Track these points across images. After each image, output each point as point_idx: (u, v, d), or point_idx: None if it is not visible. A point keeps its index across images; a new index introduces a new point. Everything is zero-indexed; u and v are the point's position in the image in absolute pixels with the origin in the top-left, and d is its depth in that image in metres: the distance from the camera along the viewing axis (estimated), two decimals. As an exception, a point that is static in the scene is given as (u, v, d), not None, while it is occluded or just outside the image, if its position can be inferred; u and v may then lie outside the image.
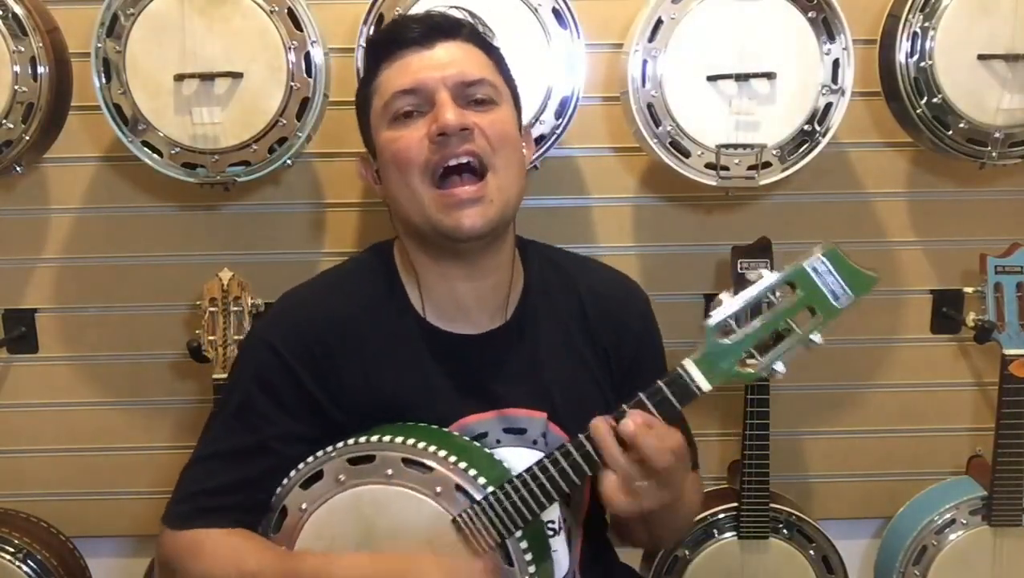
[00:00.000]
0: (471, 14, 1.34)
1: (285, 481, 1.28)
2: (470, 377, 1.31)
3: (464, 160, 1.23)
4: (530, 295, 1.36)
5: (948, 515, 1.98)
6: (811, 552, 1.97)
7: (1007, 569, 1.95)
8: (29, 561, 1.97)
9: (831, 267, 1.11)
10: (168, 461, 2.11)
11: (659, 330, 1.47)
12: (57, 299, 2.08)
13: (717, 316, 1.12)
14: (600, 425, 1.15)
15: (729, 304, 1.12)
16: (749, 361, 1.13)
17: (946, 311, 2.09)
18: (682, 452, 1.16)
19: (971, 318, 1.92)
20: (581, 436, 1.17)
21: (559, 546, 1.33)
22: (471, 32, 1.31)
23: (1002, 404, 1.88)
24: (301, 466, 1.28)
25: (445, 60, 1.26)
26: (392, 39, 1.30)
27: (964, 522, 1.96)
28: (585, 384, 1.35)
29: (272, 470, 1.29)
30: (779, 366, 1.14)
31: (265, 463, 1.28)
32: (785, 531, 1.96)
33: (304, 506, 1.26)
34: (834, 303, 1.12)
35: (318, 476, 1.27)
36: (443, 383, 1.30)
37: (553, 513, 1.32)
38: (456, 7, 1.34)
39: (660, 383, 1.15)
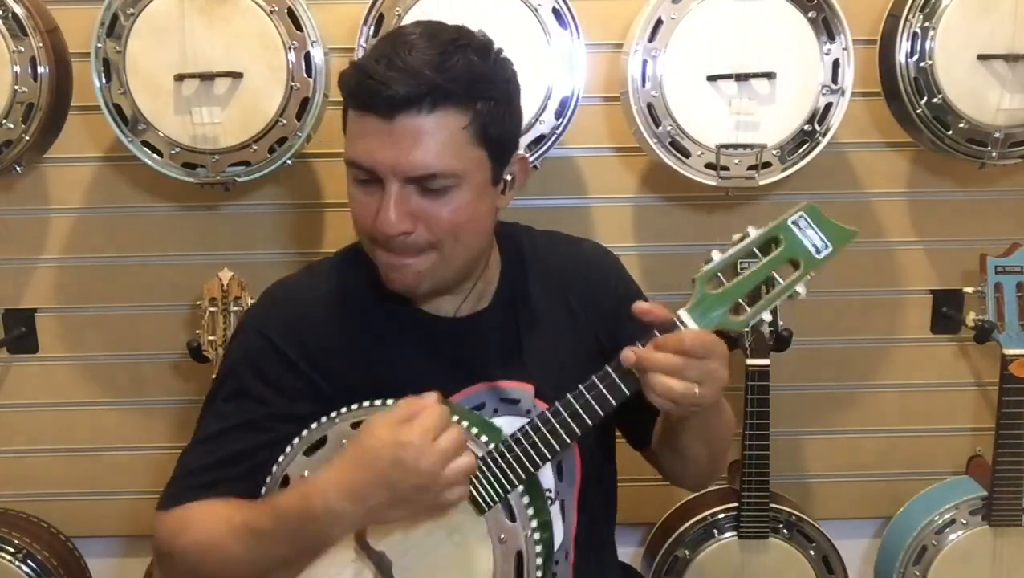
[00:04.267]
0: (474, 50, 1.20)
1: (288, 449, 1.27)
2: (459, 357, 1.32)
3: (396, 262, 1.23)
4: (508, 279, 1.37)
5: (948, 515, 1.98)
6: (811, 552, 1.97)
7: (1007, 569, 1.95)
8: (29, 561, 1.97)
9: (811, 222, 1.19)
10: (168, 461, 2.07)
11: (636, 284, 1.47)
12: (57, 299, 2.08)
13: (706, 269, 1.19)
14: (626, 350, 1.17)
15: (717, 259, 1.19)
16: (739, 311, 1.20)
17: (946, 311, 2.09)
18: (707, 334, 1.18)
19: (971, 318, 1.92)
20: (581, 385, 1.20)
21: (555, 517, 1.33)
22: (446, 96, 1.16)
23: (1002, 404, 1.88)
24: (304, 433, 1.27)
25: (400, 145, 1.16)
26: (360, 93, 1.18)
27: (964, 522, 1.96)
28: (569, 360, 1.36)
29: (263, 445, 1.27)
30: (766, 316, 1.21)
31: (256, 438, 1.27)
32: (785, 531, 1.96)
33: (307, 473, 1.25)
34: (815, 255, 1.19)
35: (322, 442, 1.26)
36: (433, 363, 1.31)
37: (548, 481, 1.33)
38: (478, 33, 1.25)
39: (655, 332, 1.18)
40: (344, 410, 1.26)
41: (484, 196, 1.25)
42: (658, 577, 1.97)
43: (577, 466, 1.36)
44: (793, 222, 1.18)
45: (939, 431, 2.17)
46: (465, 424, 1.21)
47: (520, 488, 1.22)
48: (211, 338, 1.84)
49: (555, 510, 1.34)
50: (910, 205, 2.09)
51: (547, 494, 1.32)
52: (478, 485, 1.20)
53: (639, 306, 1.20)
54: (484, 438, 1.22)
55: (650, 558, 2.02)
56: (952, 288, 2.08)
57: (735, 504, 1.95)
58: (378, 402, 1.25)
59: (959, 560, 1.96)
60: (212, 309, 1.85)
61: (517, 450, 1.20)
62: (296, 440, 1.27)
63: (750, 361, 1.85)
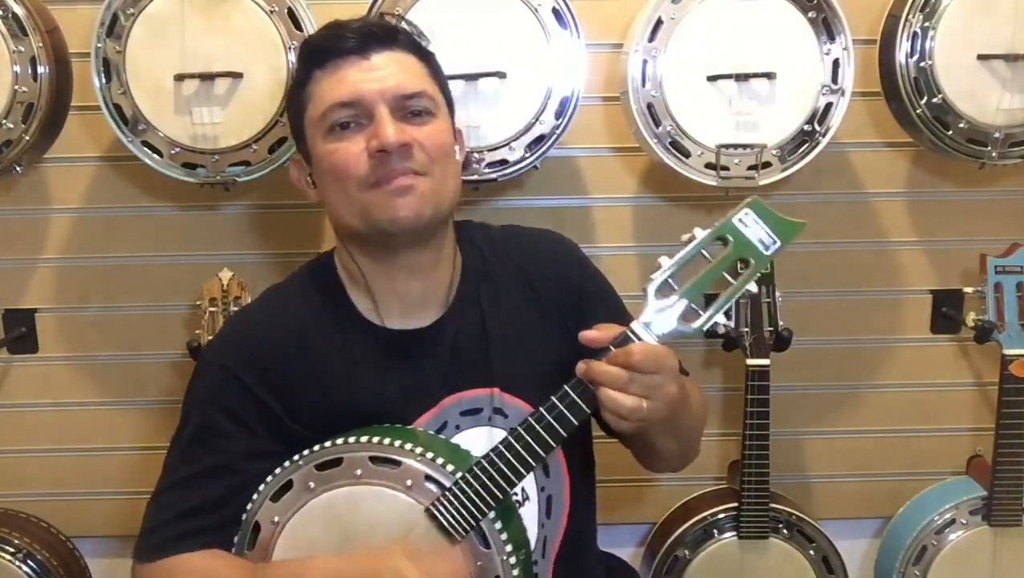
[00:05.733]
0: (406, 21, 1.34)
1: (255, 496, 1.28)
2: (421, 370, 1.32)
3: (405, 182, 1.24)
4: (468, 278, 1.38)
5: (948, 515, 1.98)
6: (811, 552, 1.97)
7: (1007, 569, 1.95)
8: (29, 561, 1.97)
9: (757, 217, 1.17)
10: (168, 461, 2.10)
11: (600, 273, 1.47)
12: (57, 299, 2.08)
13: (657, 278, 1.17)
14: (580, 362, 1.18)
15: (666, 265, 1.18)
16: (692, 317, 1.18)
17: (946, 311, 2.09)
18: (657, 349, 1.18)
19: (971, 318, 1.92)
20: (542, 408, 1.20)
21: (536, 515, 1.34)
22: (408, 40, 1.30)
23: (1002, 404, 1.88)
24: (269, 479, 1.28)
25: (383, 72, 1.25)
26: (328, 47, 1.28)
27: (964, 522, 1.96)
28: (536, 351, 1.36)
29: (237, 488, 1.28)
30: (721, 318, 1.19)
31: (228, 482, 1.28)
32: (785, 531, 1.96)
33: (276, 519, 1.26)
34: (763, 251, 1.17)
35: (287, 486, 1.26)
36: (396, 381, 1.31)
37: (531, 479, 1.33)
38: (392, 14, 1.35)
39: (610, 347, 1.18)
40: (307, 452, 1.27)
41: (451, 136, 1.32)
42: (658, 577, 1.97)
43: (562, 461, 1.36)
44: (739, 219, 1.17)
45: (939, 431, 2.17)
46: (430, 455, 1.22)
47: (491, 514, 1.22)
48: (211, 338, 1.84)
49: (537, 507, 1.34)
50: (910, 205, 2.09)
51: (515, 499, 1.32)
52: (448, 515, 1.21)
53: (585, 335, 1.20)
54: (451, 468, 1.22)
55: (650, 558, 2.02)
56: (952, 288, 2.08)
57: (735, 504, 1.95)
58: (340, 441, 1.25)
59: (959, 560, 1.96)
60: (212, 309, 1.85)
61: (484, 478, 1.20)
62: (262, 486, 1.28)
63: (750, 361, 1.85)
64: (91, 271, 2.07)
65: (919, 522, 2.00)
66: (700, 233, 1.17)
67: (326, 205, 1.32)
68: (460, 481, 1.21)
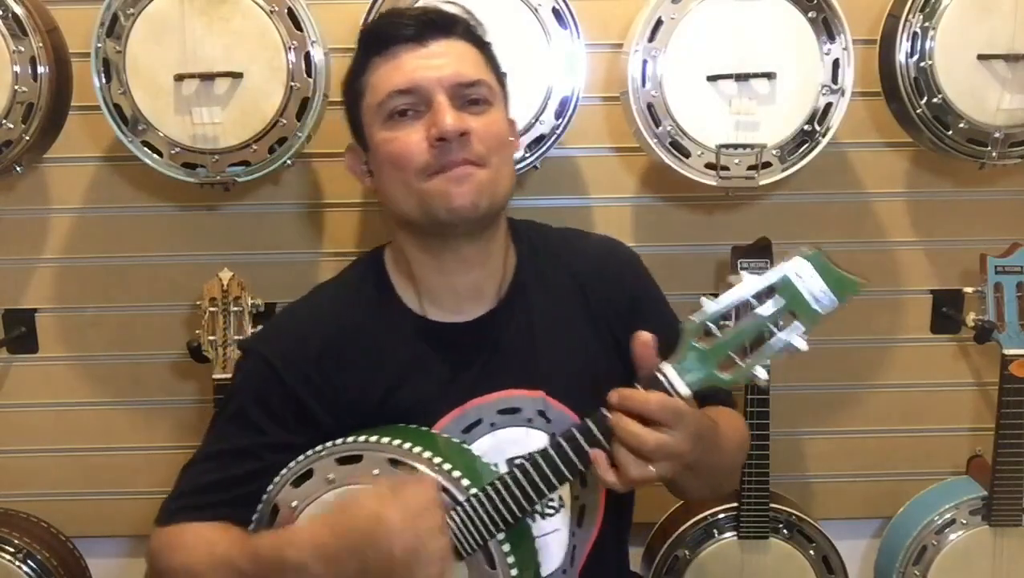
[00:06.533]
0: (465, 10, 1.33)
1: (277, 479, 1.30)
2: (465, 364, 1.32)
3: (464, 172, 1.23)
4: (521, 277, 1.37)
5: (948, 515, 1.98)
6: (811, 552, 1.97)
7: (1007, 569, 1.95)
8: (29, 561, 1.97)
9: (815, 271, 1.09)
10: (168, 461, 2.10)
11: (655, 281, 1.46)
12: (57, 299, 2.08)
13: (696, 319, 1.10)
14: (611, 394, 1.14)
15: (709, 308, 1.10)
16: (729, 366, 1.11)
17: (946, 311, 2.09)
18: (677, 405, 1.12)
19: (971, 318, 1.92)
20: (561, 437, 1.17)
21: (568, 523, 1.32)
22: (465, 29, 1.30)
23: (1002, 404, 1.88)
24: (292, 464, 1.29)
25: (441, 59, 1.25)
26: (386, 34, 1.28)
27: (964, 522, 1.96)
28: (583, 357, 1.35)
29: (259, 473, 1.30)
30: (759, 372, 1.10)
31: (251, 466, 1.30)
32: (785, 531, 1.96)
33: (295, 504, 1.27)
34: (816, 308, 1.09)
35: (308, 474, 1.28)
36: (436, 374, 1.31)
37: (560, 489, 1.30)
38: (450, 2, 1.34)
39: (637, 387, 1.14)
40: (330, 444, 1.27)
41: (508, 127, 1.32)
42: (658, 577, 1.97)
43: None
44: (795, 272, 1.08)
45: (939, 431, 2.17)
46: (448, 466, 1.21)
47: (501, 535, 1.20)
48: (211, 338, 1.84)
49: (569, 515, 1.33)
50: (910, 205, 2.09)
51: (551, 505, 1.32)
52: (457, 530, 1.20)
53: (641, 335, 1.16)
54: (466, 482, 1.21)
55: (650, 558, 2.02)
56: (952, 288, 2.08)
57: (735, 504, 1.94)
58: (362, 438, 1.26)
59: (959, 560, 1.96)
60: (212, 309, 1.85)
61: (496, 500, 1.19)
62: (285, 470, 1.29)
63: (750, 361, 1.84)
64: (91, 271, 2.07)
65: (919, 522, 2.00)
66: (749, 280, 1.08)
67: (382, 194, 1.31)
68: (473, 498, 1.20)
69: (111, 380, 2.11)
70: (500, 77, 1.33)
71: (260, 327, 1.38)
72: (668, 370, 1.12)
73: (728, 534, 1.95)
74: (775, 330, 1.09)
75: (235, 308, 1.85)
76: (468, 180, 1.23)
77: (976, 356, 2.14)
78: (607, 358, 1.35)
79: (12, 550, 1.97)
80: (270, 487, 1.30)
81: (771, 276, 1.08)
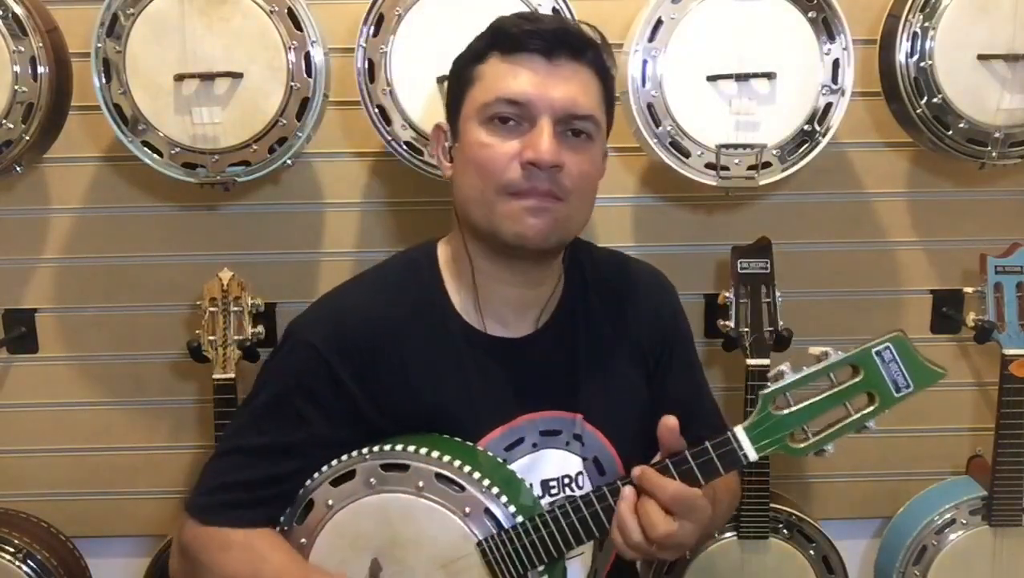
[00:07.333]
0: (600, 35, 1.30)
1: (316, 474, 1.28)
2: (508, 381, 1.30)
3: (543, 204, 1.21)
4: (569, 299, 1.36)
5: (948, 515, 1.98)
6: (811, 552, 1.97)
7: (1007, 569, 1.95)
8: (29, 561, 1.97)
9: (897, 356, 1.11)
10: (168, 461, 2.10)
11: (688, 323, 1.48)
12: (57, 299, 2.08)
13: (774, 387, 1.12)
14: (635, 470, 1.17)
15: (788, 377, 1.12)
16: (800, 436, 1.14)
17: (946, 311, 2.09)
18: (693, 498, 1.15)
19: (971, 318, 1.92)
20: (605, 487, 1.19)
21: (584, 548, 1.32)
22: (595, 57, 1.25)
23: (1002, 404, 1.88)
24: (334, 462, 1.28)
25: (560, 83, 1.21)
26: (516, 37, 1.22)
27: (964, 522, 1.96)
28: (620, 385, 1.36)
29: (300, 470, 1.28)
30: (829, 446, 1.15)
31: (294, 464, 1.28)
32: (785, 531, 1.96)
33: (331, 503, 1.26)
34: (894, 392, 1.12)
35: (350, 475, 1.26)
36: (483, 387, 1.29)
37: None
38: (586, 24, 1.30)
39: (708, 445, 1.15)
40: (376, 448, 1.26)
41: (600, 164, 1.29)
42: (658, 577, 1.97)
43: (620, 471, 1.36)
44: (877, 353, 1.11)
45: (939, 431, 2.17)
46: (496, 490, 1.22)
47: (540, 567, 1.21)
48: (211, 338, 1.84)
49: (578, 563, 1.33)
50: (910, 205, 2.09)
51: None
52: (499, 556, 1.20)
53: (667, 422, 1.17)
54: (512, 508, 1.22)
55: (650, 558, 2.02)
56: (952, 288, 2.08)
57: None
58: (411, 448, 1.25)
59: (959, 560, 1.96)
60: (212, 309, 1.85)
61: (543, 532, 1.19)
62: (326, 468, 1.28)
63: (750, 361, 1.84)
64: (91, 271, 2.07)
65: (919, 522, 2.00)
66: (833, 356, 1.11)
67: (458, 189, 1.27)
68: (519, 526, 1.20)
69: (111, 380, 2.11)
70: (611, 113, 1.30)
71: (302, 314, 1.33)
72: (740, 433, 1.14)
73: (728, 534, 1.95)
74: (850, 408, 1.13)
75: (235, 308, 1.85)
76: (545, 213, 1.21)
77: (976, 356, 2.14)
78: (643, 386, 1.36)
79: (12, 550, 1.96)
80: (308, 482, 1.28)
81: (855, 355, 1.12)
